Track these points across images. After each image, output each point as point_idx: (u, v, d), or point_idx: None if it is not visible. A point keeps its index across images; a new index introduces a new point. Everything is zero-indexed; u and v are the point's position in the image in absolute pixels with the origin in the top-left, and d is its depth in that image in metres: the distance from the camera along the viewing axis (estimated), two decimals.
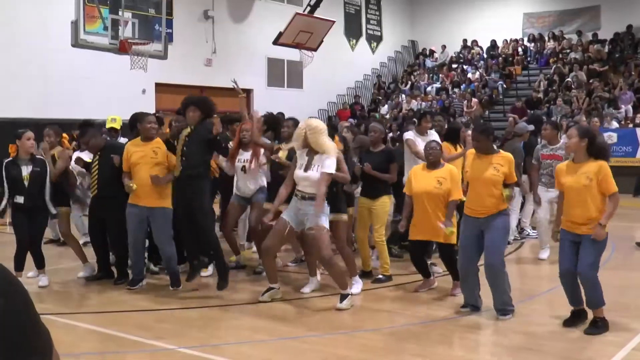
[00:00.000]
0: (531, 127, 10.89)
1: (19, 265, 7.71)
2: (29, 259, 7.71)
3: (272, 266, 7.26)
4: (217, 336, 6.09)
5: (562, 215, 6.01)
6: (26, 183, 7.61)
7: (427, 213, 7.03)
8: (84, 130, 8.46)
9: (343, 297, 6.75)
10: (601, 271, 5.83)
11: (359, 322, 6.50)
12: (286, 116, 9.64)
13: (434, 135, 8.75)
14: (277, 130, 8.60)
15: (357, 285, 7.34)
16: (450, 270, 7.25)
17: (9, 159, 7.91)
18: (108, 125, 9.46)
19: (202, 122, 7.27)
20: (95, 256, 8.29)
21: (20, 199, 7.63)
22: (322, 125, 6.90)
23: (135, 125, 8.22)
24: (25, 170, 7.67)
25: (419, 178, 7.19)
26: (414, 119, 9.17)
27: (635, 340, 5.60)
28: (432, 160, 7.21)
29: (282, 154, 7.95)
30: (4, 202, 7.83)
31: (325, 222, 6.74)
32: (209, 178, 7.73)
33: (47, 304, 7.16)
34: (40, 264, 7.93)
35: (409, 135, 8.99)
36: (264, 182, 8.37)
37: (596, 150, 5.80)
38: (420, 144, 8.36)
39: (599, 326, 5.76)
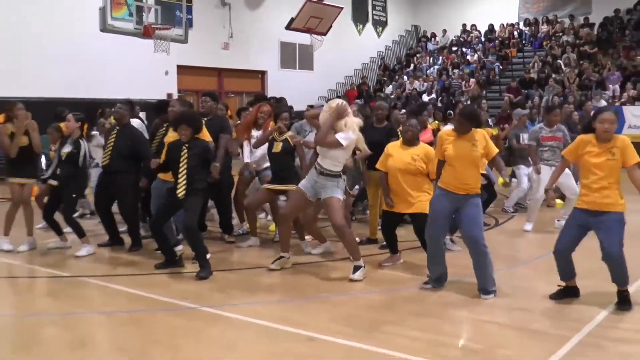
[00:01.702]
0: (526, 111, 10.88)
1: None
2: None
3: (286, 235, 7.09)
4: (235, 297, 6.10)
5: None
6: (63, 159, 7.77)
7: (401, 187, 6.86)
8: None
9: (356, 268, 6.57)
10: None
11: (366, 285, 6.42)
12: (295, 97, 9.54)
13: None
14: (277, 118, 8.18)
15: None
16: (424, 244, 6.68)
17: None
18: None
19: (194, 139, 6.87)
20: (103, 226, 8.29)
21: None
22: (338, 108, 6.57)
23: (162, 109, 8.21)
24: (66, 148, 7.79)
25: (395, 154, 6.96)
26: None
27: (613, 301, 5.57)
28: (409, 138, 6.98)
29: (277, 147, 7.79)
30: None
31: (339, 194, 6.66)
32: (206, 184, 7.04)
33: (81, 268, 7.25)
34: (80, 233, 7.83)
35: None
36: (267, 161, 8.25)
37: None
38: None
39: (628, 299, 5.51)
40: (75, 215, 8.88)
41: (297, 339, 4.89)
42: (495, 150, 6.08)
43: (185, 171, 6.71)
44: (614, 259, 5.36)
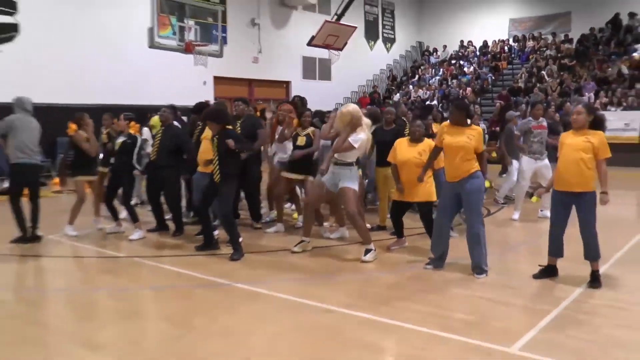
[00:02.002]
0: (517, 113, 10.77)
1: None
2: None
3: (309, 221, 7.06)
4: (263, 275, 6.09)
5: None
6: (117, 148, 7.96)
7: (408, 178, 6.81)
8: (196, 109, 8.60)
9: (367, 251, 6.56)
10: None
11: (376, 266, 6.42)
12: (315, 103, 9.54)
13: None
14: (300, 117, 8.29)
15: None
16: (428, 229, 6.85)
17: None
18: (156, 127, 9.19)
19: (224, 130, 6.78)
20: (153, 213, 8.33)
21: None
22: (349, 115, 6.55)
23: (201, 110, 8.19)
24: (120, 139, 7.99)
25: (403, 150, 6.93)
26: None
27: (585, 281, 5.57)
28: (417, 137, 6.96)
29: (301, 140, 7.91)
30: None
31: (353, 185, 6.66)
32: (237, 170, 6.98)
33: (133, 250, 7.33)
34: (134, 218, 7.95)
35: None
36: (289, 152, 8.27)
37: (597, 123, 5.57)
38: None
39: (598, 278, 5.52)
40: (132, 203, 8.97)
41: (316, 311, 4.92)
42: (481, 149, 5.99)
43: (217, 159, 6.75)
44: (589, 233, 5.46)
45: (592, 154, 5.42)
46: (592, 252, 5.54)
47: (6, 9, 15.34)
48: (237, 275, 6.06)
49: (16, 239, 7.61)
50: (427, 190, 6.83)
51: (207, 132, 7.35)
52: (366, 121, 6.71)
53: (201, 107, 8.47)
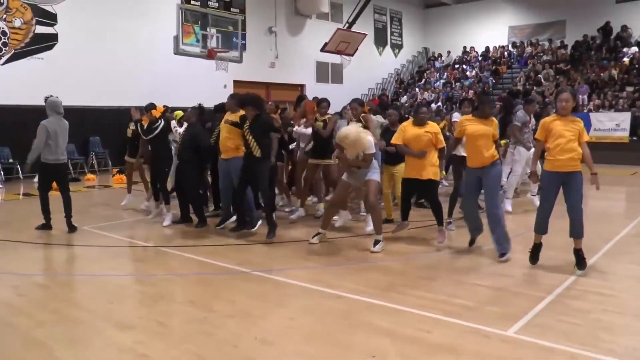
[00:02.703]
0: (527, 118, 10.68)
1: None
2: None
3: (330, 216, 7.05)
4: (280, 264, 6.12)
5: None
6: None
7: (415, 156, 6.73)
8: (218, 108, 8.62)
9: (376, 242, 6.57)
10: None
11: (384, 255, 6.44)
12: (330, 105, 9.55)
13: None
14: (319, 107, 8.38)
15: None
16: (435, 212, 6.84)
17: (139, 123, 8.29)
18: (176, 118, 9.28)
19: (258, 116, 7.11)
20: (179, 205, 8.42)
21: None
22: (354, 138, 6.52)
23: (221, 110, 8.31)
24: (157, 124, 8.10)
25: (409, 129, 6.78)
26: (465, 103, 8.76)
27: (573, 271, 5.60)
28: (422, 120, 6.78)
29: (319, 124, 8.06)
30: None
31: (377, 177, 6.68)
32: (270, 150, 7.35)
33: (160, 241, 7.42)
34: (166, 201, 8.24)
35: (455, 117, 9.06)
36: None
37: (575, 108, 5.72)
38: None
39: (583, 257, 5.57)
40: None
41: (328, 296, 4.95)
42: (497, 136, 6.27)
43: (253, 138, 7.00)
44: (576, 211, 5.47)
45: (577, 138, 5.49)
46: (576, 229, 5.52)
47: (48, 21, 15.60)
48: (255, 263, 6.11)
49: (40, 226, 7.92)
50: (434, 170, 6.72)
51: (225, 127, 7.52)
52: (375, 122, 6.76)
53: (221, 107, 8.53)
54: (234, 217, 7.71)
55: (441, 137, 6.80)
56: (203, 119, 8.55)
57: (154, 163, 8.20)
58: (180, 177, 8.19)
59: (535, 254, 5.85)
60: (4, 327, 4.32)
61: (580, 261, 5.58)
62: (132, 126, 9.36)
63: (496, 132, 6.22)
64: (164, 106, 8.54)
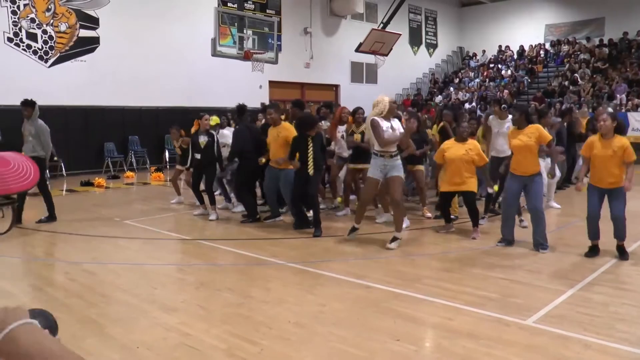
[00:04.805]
0: (559, 120, 10.76)
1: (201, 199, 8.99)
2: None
3: (362, 212, 7.16)
4: (313, 256, 6.39)
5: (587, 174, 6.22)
6: (202, 147, 8.61)
7: (458, 171, 7.21)
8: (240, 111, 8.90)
9: (394, 239, 6.79)
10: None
11: (411, 249, 6.70)
12: (364, 105, 9.67)
13: (509, 121, 8.27)
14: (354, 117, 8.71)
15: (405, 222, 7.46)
16: (472, 217, 7.27)
17: (194, 132, 8.90)
18: (212, 124, 9.39)
19: (317, 135, 7.71)
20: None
21: (197, 156, 8.64)
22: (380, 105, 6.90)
23: (245, 111, 8.67)
24: (203, 139, 8.61)
25: (452, 149, 7.27)
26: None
27: (600, 264, 5.80)
28: (465, 136, 7.32)
29: (357, 137, 8.42)
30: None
31: (401, 174, 6.86)
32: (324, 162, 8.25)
33: (199, 234, 7.81)
34: (212, 202, 8.72)
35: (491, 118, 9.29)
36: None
37: (620, 128, 6.02)
38: (496, 126, 8.39)
39: (626, 252, 6.12)
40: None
41: (358, 286, 5.25)
42: (549, 137, 6.55)
43: (312, 155, 7.45)
44: (619, 219, 5.96)
45: (620, 158, 5.87)
46: (619, 233, 6.05)
47: (90, 25, 16.29)
48: (289, 255, 6.44)
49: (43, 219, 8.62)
50: (473, 183, 7.29)
51: (271, 132, 8.01)
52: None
53: (242, 109, 8.75)
54: (281, 217, 8.46)
55: (482, 155, 7.31)
56: (244, 118, 8.89)
57: (203, 170, 8.72)
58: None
59: (592, 252, 6.25)
60: (61, 306, 4.77)
61: (622, 254, 6.11)
62: (177, 144, 10.01)
63: (543, 137, 6.44)
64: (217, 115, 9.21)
